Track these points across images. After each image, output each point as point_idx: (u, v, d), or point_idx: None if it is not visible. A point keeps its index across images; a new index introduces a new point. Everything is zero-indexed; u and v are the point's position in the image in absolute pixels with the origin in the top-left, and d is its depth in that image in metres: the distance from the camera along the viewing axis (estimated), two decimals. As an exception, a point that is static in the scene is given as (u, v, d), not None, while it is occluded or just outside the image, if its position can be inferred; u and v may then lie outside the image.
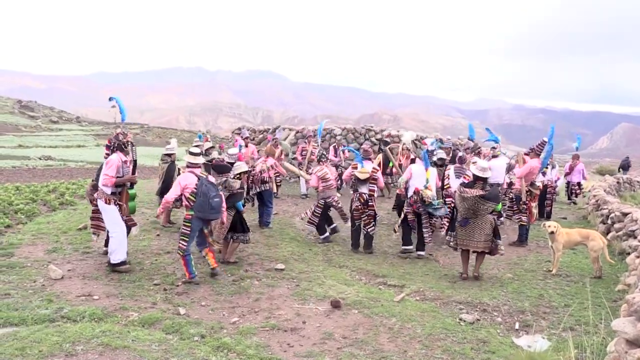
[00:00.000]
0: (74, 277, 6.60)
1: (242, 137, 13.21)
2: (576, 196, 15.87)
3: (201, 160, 7.37)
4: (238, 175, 8.12)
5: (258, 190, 10.62)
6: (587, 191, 15.97)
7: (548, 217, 12.55)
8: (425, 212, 8.94)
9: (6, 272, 6.59)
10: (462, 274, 7.71)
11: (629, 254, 8.04)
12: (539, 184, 9.93)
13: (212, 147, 12.20)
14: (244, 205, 8.51)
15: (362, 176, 8.98)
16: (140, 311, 5.52)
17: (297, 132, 18.88)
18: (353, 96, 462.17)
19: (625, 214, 9.66)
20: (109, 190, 6.88)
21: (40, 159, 28.13)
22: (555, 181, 14.34)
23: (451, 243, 7.90)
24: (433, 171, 9.26)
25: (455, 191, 8.16)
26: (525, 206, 9.86)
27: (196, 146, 9.71)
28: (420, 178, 8.93)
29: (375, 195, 9.39)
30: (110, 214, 6.94)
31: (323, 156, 10.31)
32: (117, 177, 6.82)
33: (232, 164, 8.58)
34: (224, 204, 7.14)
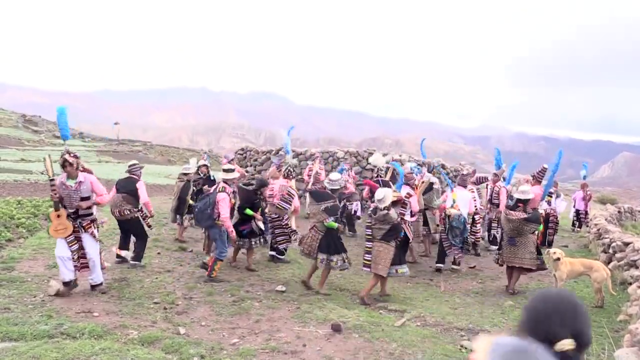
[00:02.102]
0: (74, 293, 6.58)
1: (227, 159, 13.23)
2: (581, 225, 15.97)
3: (235, 175, 8.25)
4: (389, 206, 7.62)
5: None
6: (588, 220, 15.95)
7: (550, 245, 12.52)
8: (449, 227, 9.75)
9: (6, 287, 6.58)
10: (507, 287, 8.53)
11: (630, 283, 8.00)
12: (541, 211, 9.94)
13: (206, 166, 12.22)
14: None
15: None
16: (140, 329, 5.49)
17: (299, 154, 18.93)
18: (356, 120, 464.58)
19: (626, 244, 9.63)
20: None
21: (42, 173, 28.19)
22: (585, 213, 14.84)
23: (498, 260, 8.71)
24: (460, 193, 10.16)
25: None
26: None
27: (187, 168, 10.34)
28: (449, 199, 10.01)
29: (407, 219, 9.39)
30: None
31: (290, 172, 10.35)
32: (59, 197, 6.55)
33: (334, 190, 8.14)
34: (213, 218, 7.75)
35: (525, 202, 8.43)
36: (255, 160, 19.56)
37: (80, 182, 6.52)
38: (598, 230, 12.22)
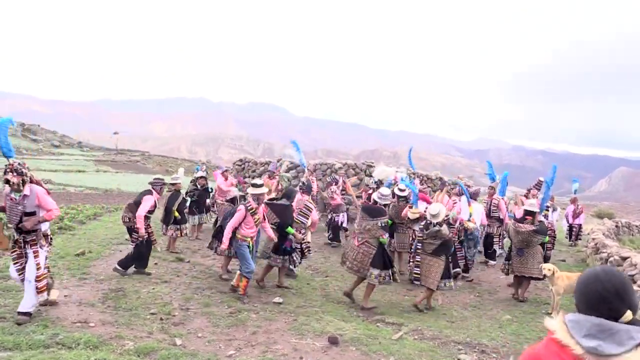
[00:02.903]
0: (70, 303, 6.55)
1: (220, 170, 13.25)
2: (577, 238, 16.04)
3: (264, 190, 7.92)
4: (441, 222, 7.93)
5: None
6: (585, 234, 15.99)
7: (547, 260, 12.50)
8: (466, 239, 10.06)
9: (2, 295, 6.54)
10: (513, 294, 8.99)
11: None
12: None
13: (203, 178, 12.32)
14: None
15: (412, 216, 9.37)
16: (136, 340, 5.45)
17: (297, 166, 18.94)
18: (354, 132, 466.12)
19: (624, 258, 9.64)
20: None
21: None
22: (579, 227, 15.05)
23: (507, 270, 9.09)
24: (476, 206, 10.45)
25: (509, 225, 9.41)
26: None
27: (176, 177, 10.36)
28: (465, 212, 10.13)
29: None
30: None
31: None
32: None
33: (386, 205, 8.41)
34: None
35: (533, 214, 8.84)
36: (254, 171, 19.59)
37: (25, 195, 5.80)
38: (596, 244, 12.23)
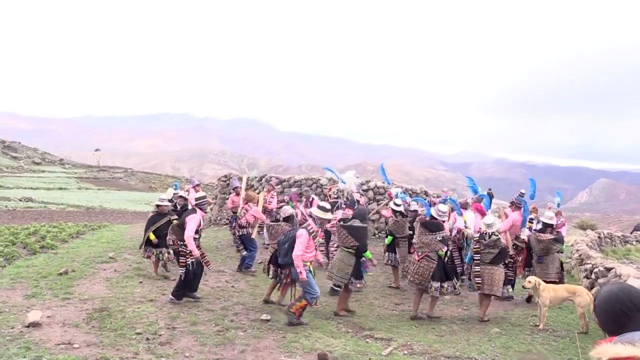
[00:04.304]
0: (54, 324, 6.41)
1: (192, 185, 13.05)
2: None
3: (331, 216, 7.80)
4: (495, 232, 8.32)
5: (238, 234, 10.79)
6: (569, 245, 16.16)
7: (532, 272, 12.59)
8: (465, 247, 10.15)
9: (-18, 318, 6.38)
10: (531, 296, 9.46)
11: (614, 309, 8.06)
12: (524, 237, 10.05)
13: (183, 197, 11.65)
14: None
15: (469, 234, 9.72)
16: (122, 361, 5.34)
17: (283, 181, 18.85)
18: (339, 146, 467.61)
19: (608, 269, 9.74)
20: None
21: (20, 200, 27.72)
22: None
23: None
24: (468, 214, 10.68)
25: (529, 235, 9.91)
26: (511, 260, 9.91)
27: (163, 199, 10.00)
28: (459, 221, 10.43)
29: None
30: None
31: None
32: None
33: (444, 221, 8.76)
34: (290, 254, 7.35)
35: (552, 226, 9.59)
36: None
37: None
38: (580, 255, 12.36)
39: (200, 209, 8.17)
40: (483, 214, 10.01)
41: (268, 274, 8.52)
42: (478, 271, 8.28)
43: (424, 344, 6.75)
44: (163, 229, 9.68)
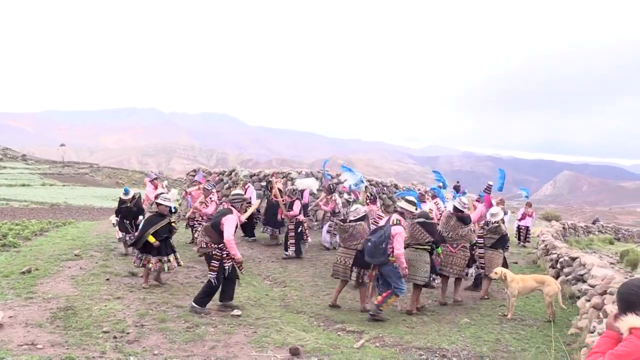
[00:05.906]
0: (16, 325, 6.19)
1: (149, 179, 12.84)
2: (526, 240, 16.59)
3: (413, 208, 7.86)
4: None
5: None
6: (535, 236, 16.55)
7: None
8: None
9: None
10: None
11: (578, 297, 8.28)
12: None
13: (133, 197, 11.41)
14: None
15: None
16: (88, 361, 5.20)
17: (252, 175, 18.67)
18: (309, 141, 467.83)
19: (573, 259, 9.99)
20: None
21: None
22: (527, 229, 15.80)
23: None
24: (427, 206, 10.83)
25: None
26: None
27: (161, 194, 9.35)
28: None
29: None
30: None
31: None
32: None
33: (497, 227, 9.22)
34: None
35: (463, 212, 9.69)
36: (207, 181, 19.21)
37: None
38: (546, 246, 12.64)
39: (234, 207, 7.61)
40: (490, 206, 10.06)
41: (350, 277, 8.20)
42: (482, 253, 9.19)
43: (396, 336, 6.79)
44: (162, 232, 8.75)
